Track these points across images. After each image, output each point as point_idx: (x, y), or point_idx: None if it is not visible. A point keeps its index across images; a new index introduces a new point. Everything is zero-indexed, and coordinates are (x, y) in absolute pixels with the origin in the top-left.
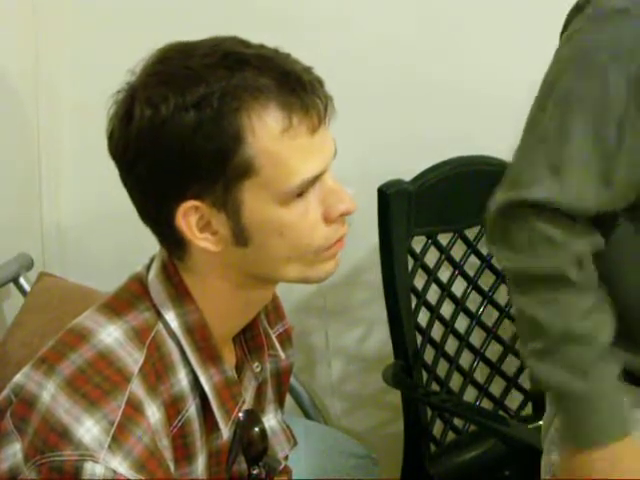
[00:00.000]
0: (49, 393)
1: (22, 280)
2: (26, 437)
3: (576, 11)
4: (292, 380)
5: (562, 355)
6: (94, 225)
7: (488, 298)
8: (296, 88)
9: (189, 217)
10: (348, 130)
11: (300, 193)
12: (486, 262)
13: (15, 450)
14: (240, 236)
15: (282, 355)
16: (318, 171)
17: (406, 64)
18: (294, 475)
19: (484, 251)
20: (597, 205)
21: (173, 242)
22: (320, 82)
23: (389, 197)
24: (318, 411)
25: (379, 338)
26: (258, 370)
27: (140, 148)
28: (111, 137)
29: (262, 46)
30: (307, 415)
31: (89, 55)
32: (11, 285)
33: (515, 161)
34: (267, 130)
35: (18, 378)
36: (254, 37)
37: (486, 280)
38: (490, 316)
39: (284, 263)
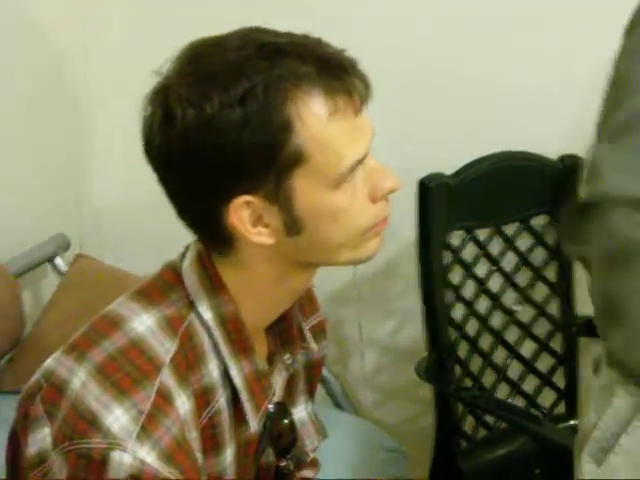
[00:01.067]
0: (79, 380)
1: (59, 261)
2: (55, 422)
3: None
4: (324, 371)
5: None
6: (132, 209)
7: (524, 295)
8: (337, 72)
9: (241, 213)
10: (390, 123)
11: (348, 176)
12: (523, 259)
13: (44, 435)
14: (293, 226)
15: (314, 347)
16: (364, 151)
17: (449, 57)
18: (323, 466)
19: (522, 248)
20: None
21: (219, 239)
22: (357, 63)
23: (429, 190)
24: (350, 403)
25: (413, 331)
26: (289, 362)
27: (185, 149)
28: (150, 141)
29: (292, 33)
30: (339, 406)
31: (138, 36)
32: (48, 265)
33: (590, 159)
34: (314, 116)
35: (49, 363)
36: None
37: (523, 277)
38: (526, 313)
39: (337, 247)
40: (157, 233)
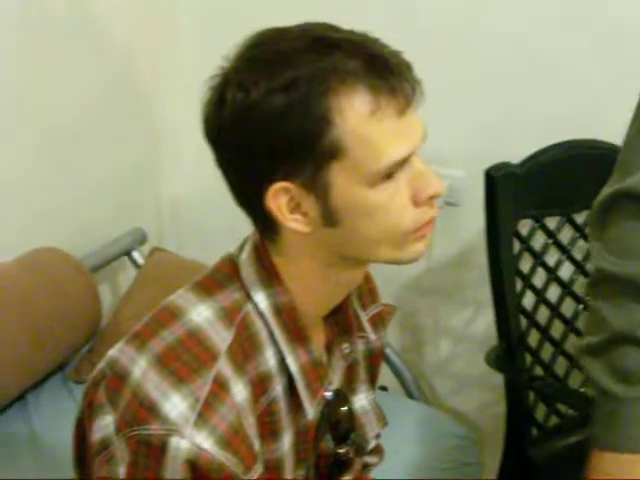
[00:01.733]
0: (140, 368)
1: (136, 254)
2: (118, 410)
3: None
4: (396, 360)
5: (615, 355)
6: (208, 203)
7: None
8: (383, 71)
9: (279, 198)
10: (458, 113)
11: (388, 175)
12: None
13: (108, 422)
14: (330, 217)
15: (372, 337)
16: (405, 153)
17: (516, 47)
18: (393, 453)
19: None
20: None
21: (264, 223)
22: (408, 66)
23: (496, 180)
24: (421, 391)
25: (487, 320)
26: (347, 351)
27: (232, 131)
28: (206, 121)
29: (352, 31)
30: (410, 395)
31: (206, 33)
32: (125, 258)
33: (621, 154)
34: (355, 112)
35: (112, 352)
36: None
37: None
38: None
39: (374, 244)
40: (233, 226)
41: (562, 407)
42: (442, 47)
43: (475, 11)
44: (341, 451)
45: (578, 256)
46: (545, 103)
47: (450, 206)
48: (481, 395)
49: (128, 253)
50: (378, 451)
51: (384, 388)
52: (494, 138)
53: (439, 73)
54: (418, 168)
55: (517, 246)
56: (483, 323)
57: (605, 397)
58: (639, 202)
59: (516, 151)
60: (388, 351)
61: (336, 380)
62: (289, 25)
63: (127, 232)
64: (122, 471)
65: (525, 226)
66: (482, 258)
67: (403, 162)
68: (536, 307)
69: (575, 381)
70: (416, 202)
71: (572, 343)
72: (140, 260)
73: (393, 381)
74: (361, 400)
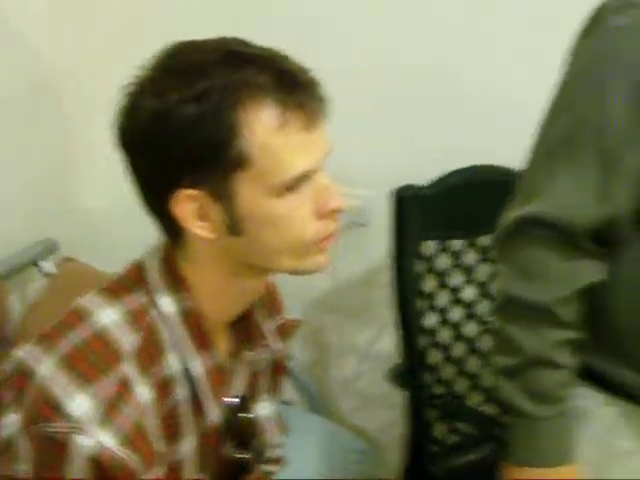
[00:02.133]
0: (47, 368)
1: (45, 264)
2: (23, 408)
3: (585, 30)
4: (301, 374)
5: (530, 377)
6: (122, 214)
7: None
8: (292, 86)
9: (186, 205)
10: (368, 135)
11: (293, 187)
12: None
13: (13, 420)
14: (234, 226)
15: (276, 347)
16: (310, 167)
17: (428, 70)
18: (294, 466)
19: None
20: (596, 218)
21: (171, 229)
22: (316, 83)
23: (404, 200)
24: (324, 406)
25: (392, 339)
26: (251, 359)
27: (144, 137)
28: (119, 127)
29: (264, 47)
30: (313, 409)
31: (127, 40)
32: (35, 268)
33: (523, 177)
34: (262, 125)
35: (20, 353)
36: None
37: None
38: None
39: (276, 254)
40: (146, 237)
41: (462, 425)
42: (355, 71)
43: (385, 39)
44: (242, 457)
45: (481, 278)
46: (454, 128)
47: (359, 226)
48: (385, 413)
49: (37, 263)
50: (279, 460)
51: (288, 402)
52: (403, 161)
53: (352, 96)
54: (322, 182)
55: (421, 267)
56: (388, 342)
57: (521, 417)
58: (544, 228)
59: (424, 174)
60: (293, 365)
61: (239, 387)
62: (206, 39)
63: (37, 241)
64: (26, 469)
65: (430, 247)
66: (388, 278)
67: (308, 175)
68: (439, 327)
69: (475, 400)
70: (319, 215)
71: (490, 365)
72: (50, 270)
73: (296, 395)
74: (264, 409)
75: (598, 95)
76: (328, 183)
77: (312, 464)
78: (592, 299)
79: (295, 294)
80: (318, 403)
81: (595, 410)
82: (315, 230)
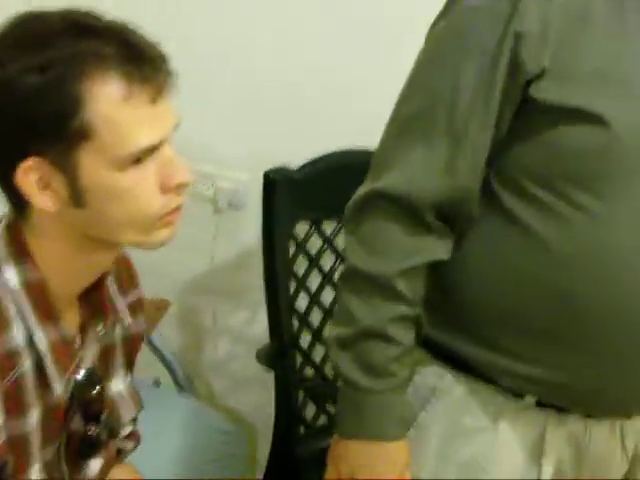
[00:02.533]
0: None
1: None
2: None
3: (441, 12)
4: (169, 356)
5: (362, 349)
6: None
7: None
8: (138, 59)
9: (29, 175)
10: (243, 118)
11: (137, 160)
12: None
13: None
14: (78, 198)
15: (129, 322)
16: (155, 140)
17: (298, 55)
18: (160, 445)
19: None
20: (441, 193)
21: (16, 200)
22: (163, 57)
23: (274, 183)
24: (193, 388)
25: (265, 320)
26: (101, 333)
27: None
28: None
29: (111, 20)
30: (182, 391)
31: None
32: None
33: (375, 154)
34: (107, 97)
35: None
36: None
37: None
38: None
39: (121, 227)
40: None
41: (331, 407)
42: (232, 56)
43: (256, 22)
44: (91, 432)
45: None
46: (326, 112)
47: (235, 209)
48: (259, 394)
49: None
50: (134, 437)
51: (157, 383)
52: (278, 145)
53: (226, 80)
54: (168, 156)
55: (293, 249)
56: (262, 324)
57: (351, 388)
58: (390, 202)
59: (300, 158)
60: (161, 346)
61: (89, 361)
62: (55, 9)
63: None
64: None
65: (302, 229)
66: (261, 260)
67: (153, 149)
68: (310, 309)
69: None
70: (164, 189)
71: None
72: None
73: (166, 376)
74: (118, 384)
75: (451, 71)
76: (173, 157)
77: (177, 444)
78: (441, 276)
79: (169, 275)
80: (186, 384)
81: (444, 388)
82: (160, 204)
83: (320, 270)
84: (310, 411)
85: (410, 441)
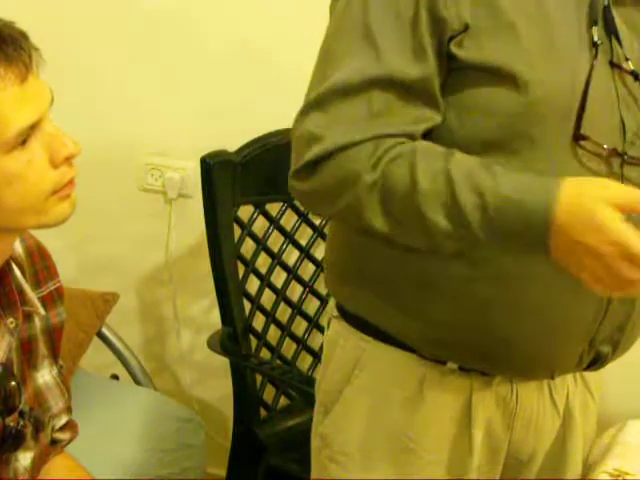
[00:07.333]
0: None
1: None
2: None
3: None
4: (121, 347)
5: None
6: None
7: (321, 267)
8: None
9: None
10: (186, 106)
11: (21, 142)
12: (318, 232)
13: None
14: None
15: (43, 313)
16: (34, 119)
17: (237, 38)
18: (115, 435)
19: (316, 221)
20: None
21: None
22: (23, 35)
23: (212, 167)
24: (148, 377)
25: None
26: (12, 326)
27: None
28: None
29: None
30: (136, 381)
31: None
32: None
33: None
34: None
35: None
36: None
37: (320, 250)
38: (322, 283)
39: (18, 213)
40: None
41: (290, 389)
42: (170, 40)
43: (203, 8)
44: (12, 424)
45: (302, 241)
46: (262, 94)
47: (185, 198)
48: (223, 382)
49: None
50: (71, 427)
51: (115, 377)
52: (223, 130)
53: (169, 68)
54: (50, 131)
55: (239, 232)
56: None
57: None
58: (357, 93)
59: (234, 139)
60: (113, 339)
61: (3, 354)
62: None
63: None
64: None
65: (246, 212)
66: None
67: (33, 127)
68: (261, 292)
69: (303, 364)
70: (54, 164)
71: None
72: None
73: (121, 368)
74: (44, 375)
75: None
76: (56, 131)
77: (133, 434)
78: (344, 237)
79: (128, 269)
80: (143, 377)
81: (367, 360)
82: (53, 180)
83: (268, 252)
84: (270, 394)
85: (336, 416)
